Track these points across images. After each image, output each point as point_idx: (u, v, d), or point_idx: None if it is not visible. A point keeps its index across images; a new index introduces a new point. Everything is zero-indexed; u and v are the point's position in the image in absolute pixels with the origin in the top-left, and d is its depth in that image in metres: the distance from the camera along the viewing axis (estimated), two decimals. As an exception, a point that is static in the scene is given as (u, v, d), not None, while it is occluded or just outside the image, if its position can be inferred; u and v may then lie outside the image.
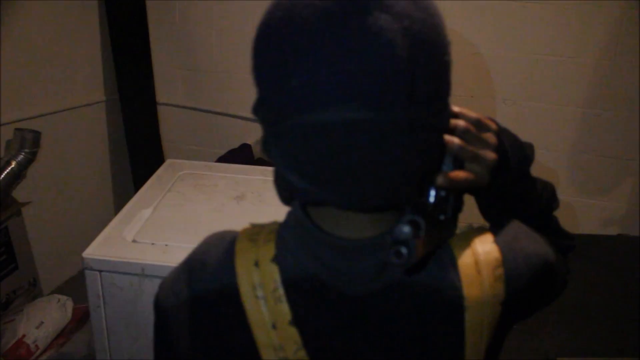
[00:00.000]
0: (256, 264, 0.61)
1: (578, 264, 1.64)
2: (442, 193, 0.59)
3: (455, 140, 0.60)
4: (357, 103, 0.48)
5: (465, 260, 0.62)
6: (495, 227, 0.68)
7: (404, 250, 0.50)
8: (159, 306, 0.68)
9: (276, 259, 0.61)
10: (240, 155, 2.60)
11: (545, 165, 2.54)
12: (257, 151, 2.65)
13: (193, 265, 0.67)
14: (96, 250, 1.42)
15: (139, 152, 3.04)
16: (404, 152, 0.52)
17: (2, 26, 2.32)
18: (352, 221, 0.59)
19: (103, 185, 3.11)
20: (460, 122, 0.60)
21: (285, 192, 0.62)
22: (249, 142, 2.72)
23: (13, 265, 2.42)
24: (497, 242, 0.64)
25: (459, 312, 0.61)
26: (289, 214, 0.64)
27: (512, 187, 0.70)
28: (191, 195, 1.75)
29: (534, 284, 0.65)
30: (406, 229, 0.50)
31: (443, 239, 0.62)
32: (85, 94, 2.89)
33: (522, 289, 0.64)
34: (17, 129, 2.38)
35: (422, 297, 0.61)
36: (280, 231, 0.64)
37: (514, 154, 0.68)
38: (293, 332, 0.60)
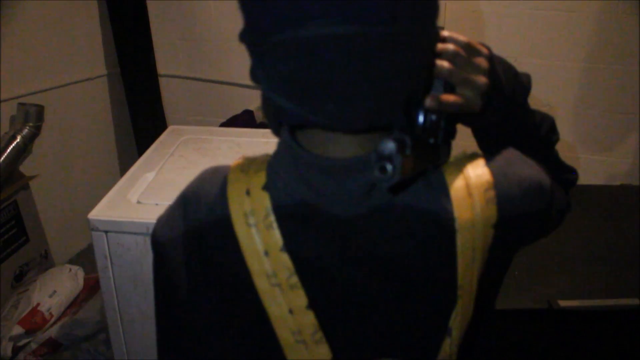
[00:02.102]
0: (247, 193, 0.62)
1: (579, 211, 1.66)
2: (433, 117, 0.59)
3: (444, 63, 0.59)
4: (339, 17, 0.48)
5: (456, 183, 0.61)
6: (490, 156, 0.67)
7: (388, 166, 0.50)
8: (156, 241, 0.69)
9: (267, 187, 0.62)
10: (242, 120, 2.61)
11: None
12: (259, 116, 2.66)
13: (187, 199, 0.68)
14: (101, 211, 1.44)
15: (142, 124, 3.06)
16: (388, 70, 0.52)
17: (3, 2, 2.32)
18: (339, 143, 0.59)
19: (108, 157, 3.14)
20: (450, 46, 0.60)
21: (273, 118, 0.62)
22: (251, 108, 2.72)
23: (24, 238, 2.46)
24: (489, 165, 0.64)
25: (450, 234, 0.60)
26: (279, 143, 0.64)
27: (508, 116, 0.69)
28: (194, 158, 1.76)
29: (528, 209, 0.64)
30: (391, 144, 0.50)
31: (434, 163, 0.62)
32: (86, 69, 2.90)
33: (516, 212, 0.63)
34: (20, 103, 2.40)
35: (413, 219, 0.61)
36: (271, 160, 0.65)
37: (508, 81, 0.67)
38: (285, 259, 0.61)
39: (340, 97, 0.52)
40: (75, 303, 2.26)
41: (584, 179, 2.42)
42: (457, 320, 0.63)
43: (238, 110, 2.78)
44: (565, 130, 2.53)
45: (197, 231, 0.65)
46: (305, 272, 0.62)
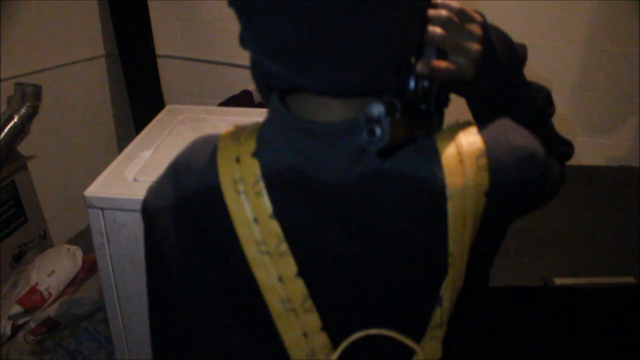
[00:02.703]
0: (237, 160, 0.62)
1: (577, 191, 1.66)
2: (425, 83, 0.59)
3: (437, 29, 0.59)
4: None
5: (447, 150, 0.61)
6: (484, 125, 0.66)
7: (377, 129, 0.50)
8: (146, 210, 0.69)
9: (256, 154, 0.61)
10: (241, 100, 2.60)
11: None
12: (257, 97, 2.64)
13: (178, 168, 0.68)
14: (98, 189, 1.43)
15: (140, 105, 3.05)
16: (377, 32, 0.51)
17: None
18: (329, 108, 0.59)
19: (107, 137, 3.13)
20: (442, 12, 0.59)
21: (262, 83, 0.62)
22: (249, 89, 2.71)
23: (22, 218, 2.47)
24: (482, 133, 0.63)
25: (441, 201, 0.60)
26: (269, 110, 0.64)
27: (502, 86, 0.69)
28: (191, 137, 1.74)
29: (521, 178, 0.63)
30: (379, 106, 0.50)
31: (426, 130, 0.62)
32: (84, 49, 2.88)
33: (508, 181, 0.62)
34: (17, 83, 2.39)
35: (403, 186, 0.60)
36: (261, 127, 0.64)
37: (502, 49, 0.67)
38: (274, 226, 0.61)
39: (329, 58, 0.51)
40: (74, 283, 2.27)
41: (584, 160, 2.41)
42: (448, 289, 0.63)
43: (237, 91, 2.77)
44: (565, 112, 2.54)
45: (188, 200, 0.65)
46: (295, 240, 0.61)
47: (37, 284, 2.15)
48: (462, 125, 0.65)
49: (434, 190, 0.60)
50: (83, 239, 2.79)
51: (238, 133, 0.65)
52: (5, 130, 2.32)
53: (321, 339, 0.63)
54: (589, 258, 1.42)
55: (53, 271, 2.20)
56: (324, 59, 0.51)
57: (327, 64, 0.52)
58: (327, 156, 0.59)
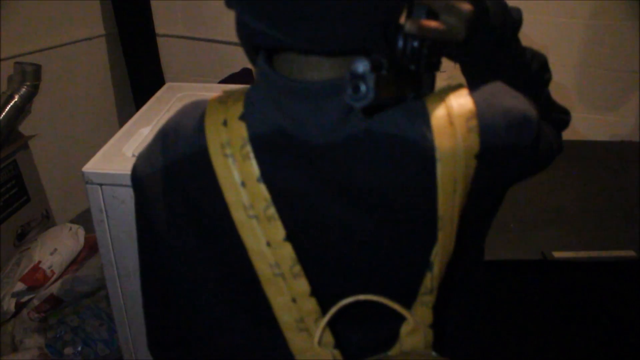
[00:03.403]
0: (224, 123, 0.61)
1: (577, 165, 1.65)
2: (415, 43, 0.58)
3: None
4: None
5: (437, 112, 0.60)
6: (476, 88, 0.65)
7: (362, 85, 0.49)
8: (136, 176, 0.69)
9: (244, 117, 0.61)
10: (240, 78, 2.59)
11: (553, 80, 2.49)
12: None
13: (167, 133, 0.67)
14: (96, 164, 1.43)
15: (140, 84, 3.05)
16: None
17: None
18: (316, 67, 0.58)
19: (107, 117, 3.13)
20: None
21: (248, 43, 0.61)
22: (249, 66, 2.70)
23: (25, 197, 2.48)
24: (473, 95, 0.62)
25: (430, 163, 0.59)
26: (256, 72, 0.63)
27: (495, 50, 0.68)
28: (189, 114, 1.75)
29: (513, 141, 0.62)
30: (365, 63, 0.49)
31: (416, 92, 0.61)
32: (84, 29, 2.87)
33: (499, 143, 0.61)
34: (17, 63, 2.38)
35: (391, 148, 0.59)
36: (249, 90, 0.63)
37: (496, 12, 0.65)
38: (262, 189, 0.60)
39: (313, 14, 0.51)
40: (77, 261, 2.28)
41: (585, 136, 2.38)
42: (438, 255, 0.62)
43: (237, 69, 2.75)
44: (569, 88, 2.52)
45: (176, 165, 0.64)
46: (283, 204, 0.61)
47: (39, 262, 2.16)
48: (453, 88, 0.63)
49: (423, 152, 0.59)
50: (86, 218, 2.79)
51: (226, 96, 0.64)
52: (6, 109, 2.32)
53: (310, 305, 0.62)
54: (589, 232, 1.41)
55: (55, 249, 2.21)
56: (308, 15, 0.51)
57: (311, 20, 0.51)
58: (313, 116, 0.58)
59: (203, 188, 0.63)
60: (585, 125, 2.54)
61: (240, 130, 0.60)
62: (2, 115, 2.29)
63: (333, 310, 0.62)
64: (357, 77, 0.49)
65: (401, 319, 0.65)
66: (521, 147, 0.64)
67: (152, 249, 0.71)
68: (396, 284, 0.67)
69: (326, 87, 0.57)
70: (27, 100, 2.39)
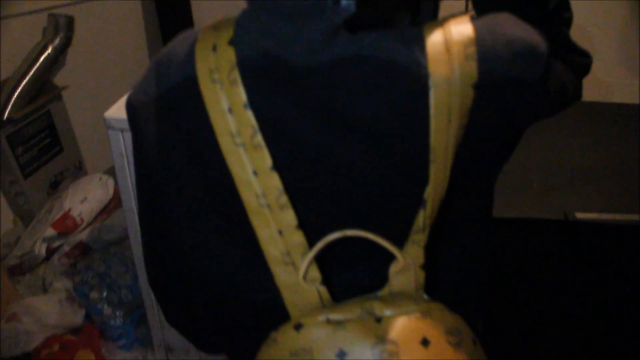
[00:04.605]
0: (214, 48, 0.60)
1: (606, 126, 1.57)
2: None
3: None
4: None
5: (433, 37, 0.56)
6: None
7: None
8: (130, 105, 0.68)
9: (233, 41, 0.59)
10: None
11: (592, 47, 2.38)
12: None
13: (161, 61, 0.66)
14: (118, 110, 1.45)
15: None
16: None
17: None
18: None
19: (139, 71, 3.14)
20: None
21: None
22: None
23: (58, 147, 2.53)
24: (475, 22, 0.58)
25: (423, 91, 0.56)
26: None
27: None
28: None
29: (516, 74, 0.58)
30: None
31: (413, 17, 0.58)
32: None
33: (500, 74, 0.57)
34: (50, 15, 2.41)
35: (381, 72, 0.56)
36: (239, 15, 0.62)
37: None
38: (249, 116, 0.58)
39: None
40: (106, 210, 2.34)
41: (621, 99, 2.28)
42: (431, 190, 0.60)
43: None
44: (610, 51, 2.40)
45: (168, 93, 0.63)
46: (270, 131, 0.59)
47: (70, 209, 2.22)
48: (455, 15, 0.60)
49: (415, 79, 0.56)
50: (117, 171, 2.85)
51: (219, 23, 0.63)
52: (40, 60, 2.35)
53: (297, 238, 0.61)
54: (614, 194, 1.36)
55: (85, 198, 2.27)
56: None
57: None
58: (299, 35, 0.56)
59: (193, 116, 0.62)
60: (620, 87, 2.43)
61: (229, 55, 0.59)
62: (36, 66, 2.33)
63: (320, 244, 0.60)
64: None
65: (391, 257, 0.63)
66: (527, 81, 0.59)
67: (148, 179, 0.71)
68: (388, 222, 0.65)
69: (312, 5, 0.54)
70: (60, 51, 2.42)
